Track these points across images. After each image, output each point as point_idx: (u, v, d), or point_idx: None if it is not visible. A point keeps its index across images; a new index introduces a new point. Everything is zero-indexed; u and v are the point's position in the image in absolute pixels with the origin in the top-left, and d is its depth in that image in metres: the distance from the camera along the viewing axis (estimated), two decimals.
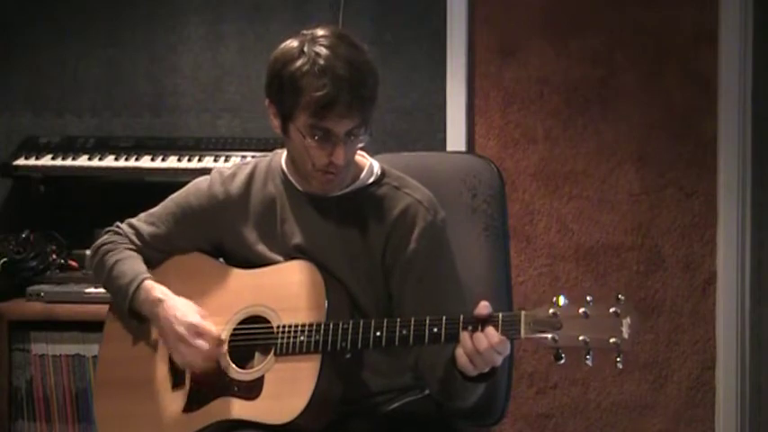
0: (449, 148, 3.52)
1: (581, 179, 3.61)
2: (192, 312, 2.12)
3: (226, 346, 2.11)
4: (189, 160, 3.26)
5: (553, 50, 3.60)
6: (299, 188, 2.18)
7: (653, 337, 3.60)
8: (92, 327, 3.05)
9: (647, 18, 3.59)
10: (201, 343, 2.08)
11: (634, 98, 3.60)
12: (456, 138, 3.54)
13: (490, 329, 1.90)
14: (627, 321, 1.84)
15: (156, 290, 2.16)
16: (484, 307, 1.94)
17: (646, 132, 3.60)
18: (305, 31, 2.07)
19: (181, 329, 2.10)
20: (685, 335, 3.61)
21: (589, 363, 1.85)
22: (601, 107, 3.60)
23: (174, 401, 2.14)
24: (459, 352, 1.93)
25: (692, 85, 3.58)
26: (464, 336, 1.92)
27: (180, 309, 2.12)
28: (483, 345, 1.90)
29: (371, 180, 2.18)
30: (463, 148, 3.53)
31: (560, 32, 3.60)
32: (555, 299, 1.88)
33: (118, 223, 2.31)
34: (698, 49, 3.57)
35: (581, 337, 1.84)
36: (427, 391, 2.18)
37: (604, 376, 3.61)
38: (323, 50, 2.01)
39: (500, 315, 1.92)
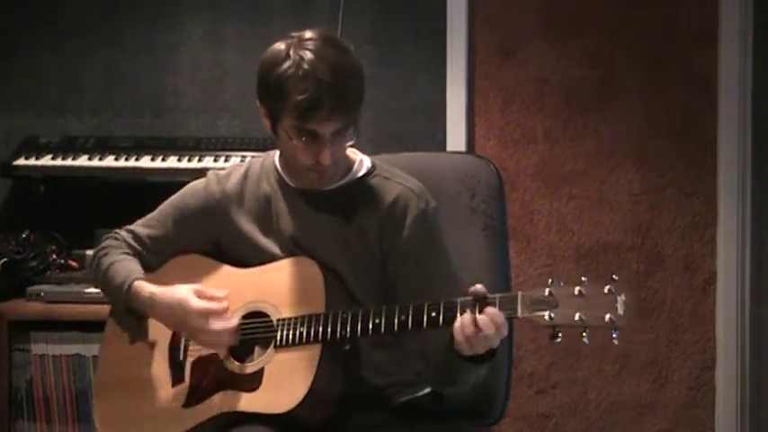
0: (449, 148, 3.52)
1: (581, 179, 3.61)
2: (190, 298, 2.12)
3: (235, 320, 2.12)
4: (189, 160, 3.26)
5: (553, 51, 3.60)
6: (292, 185, 2.21)
7: (653, 337, 3.60)
8: (92, 327, 3.05)
9: (647, 18, 3.59)
10: (217, 324, 2.10)
11: (634, 98, 3.60)
12: (456, 138, 3.54)
13: (492, 310, 1.91)
14: (621, 298, 1.86)
15: (146, 290, 2.18)
16: (479, 288, 1.95)
17: (646, 132, 3.60)
18: (294, 34, 2.11)
19: (193, 322, 2.11)
20: (685, 335, 3.61)
21: (586, 340, 1.86)
22: (601, 107, 3.61)
23: (174, 397, 2.15)
24: (457, 332, 1.94)
25: (692, 85, 3.58)
26: (465, 318, 1.93)
27: (176, 300, 2.13)
28: (489, 327, 1.90)
29: (362, 173, 2.22)
30: (463, 149, 3.53)
31: (560, 32, 3.60)
32: (551, 280, 1.89)
33: (116, 230, 2.33)
34: (698, 49, 3.57)
35: (577, 315, 1.86)
36: (427, 390, 2.18)
37: (604, 376, 3.61)
38: (307, 54, 2.05)
39: (497, 296, 1.94)
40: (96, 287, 2.34)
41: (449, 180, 2.40)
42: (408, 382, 2.19)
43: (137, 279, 2.19)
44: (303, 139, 2.07)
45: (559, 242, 3.62)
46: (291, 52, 2.06)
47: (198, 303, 2.12)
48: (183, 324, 2.14)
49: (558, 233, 3.63)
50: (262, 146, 3.27)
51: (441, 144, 3.54)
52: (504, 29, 3.61)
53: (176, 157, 3.27)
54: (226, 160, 3.26)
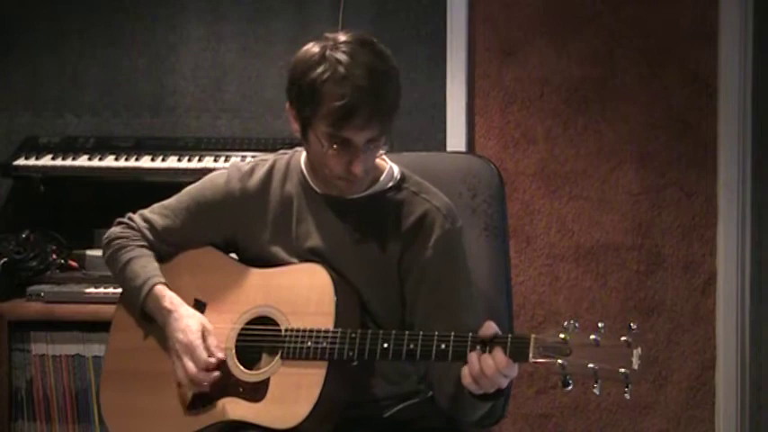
0: (449, 148, 3.52)
1: (581, 179, 3.61)
2: (194, 330, 2.10)
3: (218, 372, 2.10)
4: (189, 160, 3.26)
5: (553, 50, 3.60)
6: (317, 190, 2.16)
7: (653, 337, 3.60)
8: (92, 327, 3.06)
9: (647, 18, 3.59)
10: (190, 365, 2.08)
11: (634, 98, 3.60)
12: (456, 138, 3.54)
13: (498, 352, 1.88)
14: (638, 352, 1.80)
15: (166, 299, 2.15)
16: (489, 327, 1.91)
17: (646, 132, 3.60)
18: (328, 35, 2.04)
19: (179, 346, 2.10)
20: (685, 335, 3.61)
21: (597, 391, 1.82)
22: (601, 107, 3.60)
23: (179, 398, 2.14)
24: (465, 371, 1.91)
25: (692, 85, 3.59)
26: (472, 356, 1.90)
27: (183, 324, 2.11)
28: (490, 368, 1.88)
29: (390, 184, 2.16)
30: (463, 148, 3.53)
31: (560, 32, 3.60)
32: (567, 323, 1.84)
33: (130, 214, 2.28)
34: (698, 49, 3.57)
35: (590, 365, 1.81)
36: (430, 394, 2.18)
37: None
38: (343, 58, 1.98)
39: (509, 337, 1.90)
40: (110, 272, 2.30)
41: (450, 180, 2.39)
42: (415, 391, 2.18)
43: (157, 284, 2.16)
44: (335, 146, 2.01)
45: (559, 242, 3.62)
46: (326, 55, 1.99)
47: (192, 338, 2.09)
48: (171, 345, 2.12)
49: (558, 233, 3.62)
50: (262, 146, 3.28)
51: (441, 144, 3.54)
52: (504, 29, 3.61)
53: (176, 157, 3.27)
54: (226, 160, 3.25)
